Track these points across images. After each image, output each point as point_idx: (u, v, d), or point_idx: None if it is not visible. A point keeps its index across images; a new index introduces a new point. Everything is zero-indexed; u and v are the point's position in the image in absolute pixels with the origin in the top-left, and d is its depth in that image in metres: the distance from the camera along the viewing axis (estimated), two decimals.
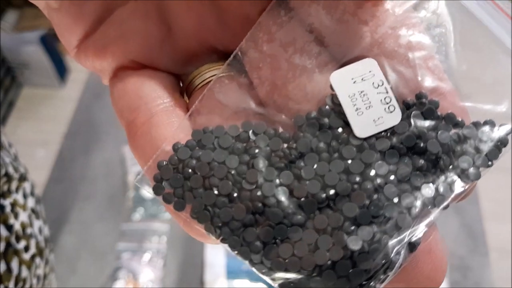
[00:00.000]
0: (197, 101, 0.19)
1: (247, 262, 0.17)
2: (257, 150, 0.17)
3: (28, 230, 0.49)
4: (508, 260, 0.83)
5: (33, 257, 0.49)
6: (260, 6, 0.19)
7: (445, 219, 0.88)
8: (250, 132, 0.18)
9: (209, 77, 0.20)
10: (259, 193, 0.17)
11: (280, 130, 0.18)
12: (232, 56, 0.19)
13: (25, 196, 0.50)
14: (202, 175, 0.17)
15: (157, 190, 0.18)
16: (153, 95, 0.19)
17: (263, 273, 0.17)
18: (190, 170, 0.17)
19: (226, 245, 0.17)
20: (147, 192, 0.19)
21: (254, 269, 0.17)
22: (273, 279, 0.17)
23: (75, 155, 1.01)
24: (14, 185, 0.48)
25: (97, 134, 1.03)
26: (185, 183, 0.18)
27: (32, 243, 0.49)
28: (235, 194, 0.17)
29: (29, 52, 1.14)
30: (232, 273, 0.82)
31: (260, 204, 0.17)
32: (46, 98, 1.18)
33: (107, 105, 1.08)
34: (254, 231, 0.17)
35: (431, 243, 0.17)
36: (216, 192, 0.17)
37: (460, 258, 0.85)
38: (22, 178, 0.50)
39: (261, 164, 0.17)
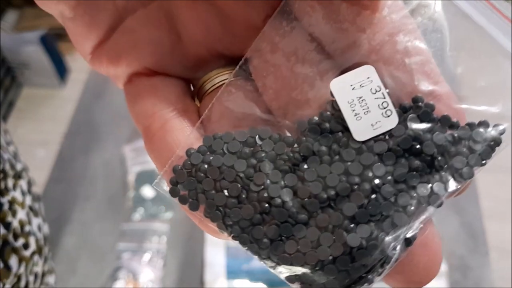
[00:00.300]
0: (206, 110, 0.21)
1: (256, 257, 0.19)
2: (263, 154, 0.19)
3: (27, 228, 0.49)
4: (508, 259, 0.83)
5: (32, 255, 0.49)
6: (263, 14, 0.20)
7: (445, 219, 0.89)
8: (256, 137, 0.19)
9: (218, 82, 0.21)
10: (265, 194, 0.18)
11: (287, 134, 0.20)
12: (238, 66, 0.21)
13: (23, 194, 0.51)
14: (213, 178, 0.19)
15: (173, 192, 0.19)
16: (166, 102, 0.21)
17: (270, 267, 0.18)
18: (202, 174, 0.19)
19: (237, 241, 0.19)
20: (165, 193, 0.20)
21: (262, 263, 0.19)
22: (280, 273, 0.18)
23: (75, 155, 1.01)
24: (10, 182, 0.49)
25: (97, 134, 1.04)
26: (198, 185, 0.19)
27: (32, 240, 0.50)
28: (244, 196, 0.19)
29: (29, 52, 1.14)
30: (232, 273, 0.82)
31: (266, 205, 0.18)
32: (46, 98, 1.18)
33: (107, 105, 1.09)
34: (261, 229, 0.18)
35: (427, 237, 0.19)
36: (226, 193, 0.19)
37: (460, 258, 0.85)
38: (17, 176, 0.51)
39: (267, 167, 0.19)
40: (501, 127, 0.19)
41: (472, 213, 0.90)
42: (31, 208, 0.52)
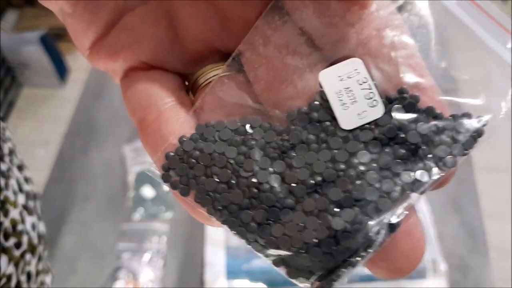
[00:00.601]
0: (200, 99, 0.22)
1: (244, 240, 0.19)
2: (253, 142, 0.20)
3: (19, 227, 0.49)
4: (508, 259, 0.84)
5: (23, 254, 0.49)
6: (259, 11, 0.21)
7: (445, 219, 0.89)
8: (248, 126, 0.20)
9: (212, 76, 0.22)
10: (254, 180, 0.19)
11: (277, 123, 0.21)
12: (231, 58, 0.22)
13: (14, 193, 0.51)
14: (204, 164, 0.20)
15: (165, 178, 0.20)
16: (162, 94, 0.22)
17: (257, 251, 0.19)
18: (193, 160, 0.20)
19: (226, 226, 0.20)
20: (157, 179, 0.21)
21: (250, 247, 0.20)
22: (267, 256, 0.19)
23: (75, 155, 1.01)
24: (2, 181, 0.49)
25: (97, 134, 1.04)
26: (189, 171, 0.20)
27: (24, 239, 0.50)
28: (234, 181, 0.20)
29: (29, 52, 1.15)
30: (232, 273, 0.83)
31: (255, 190, 0.19)
32: (46, 98, 1.19)
33: (107, 105, 1.10)
34: (249, 214, 0.19)
35: (411, 225, 0.19)
36: (216, 179, 0.20)
37: (460, 258, 0.86)
38: (6, 176, 0.51)
39: (257, 154, 0.20)
40: (484, 119, 0.20)
41: (472, 213, 0.90)
42: (24, 207, 0.52)
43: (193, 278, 0.84)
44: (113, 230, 0.90)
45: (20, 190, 0.53)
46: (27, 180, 0.57)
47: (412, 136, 0.19)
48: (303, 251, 0.19)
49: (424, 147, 0.19)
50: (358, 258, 0.19)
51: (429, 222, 0.87)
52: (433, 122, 0.19)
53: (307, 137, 0.20)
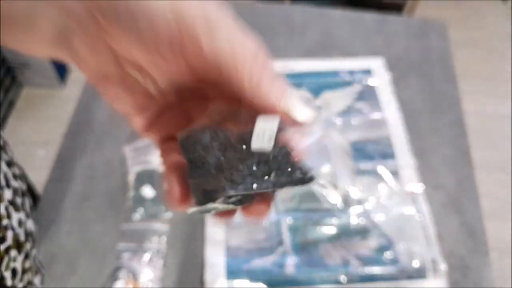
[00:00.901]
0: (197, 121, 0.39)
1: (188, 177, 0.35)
2: (219, 140, 0.35)
3: (4, 222, 0.50)
4: (508, 259, 0.85)
5: (8, 250, 0.50)
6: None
7: (445, 219, 0.90)
8: (222, 132, 0.35)
9: None
10: (207, 156, 0.35)
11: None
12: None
13: (1, 188, 0.51)
14: (194, 144, 0.35)
15: (181, 144, 0.36)
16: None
17: (191, 190, 0.35)
18: (191, 141, 0.36)
19: (189, 173, 0.35)
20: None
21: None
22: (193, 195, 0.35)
23: (75, 155, 1.02)
24: None
25: (97, 134, 1.05)
26: (191, 146, 0.36)
27: (9, 235, 0.50)
28: (202, 153, 0.35)
29: None
30: (232, 273, 0.84)
31: (205, 160, 0.35)
32: (46, 98, 1.19)
33: (107, 105, 1.09)
34: (197, 170, 0.35)
35: (264, 198, 0.36)
36: (196, 152, 0.35)
37: (460, 258, 0.86)
38: None
39: (217, 146, 0.35)
40: (312, 176, 0.34)
41: (472, 213, 0.91)
42: (11, 202, 0.52)
43: (193, 278, 0.85)
44: (113, 230, 0.91)
45: (8, 185, 0.53)
46: (15, 176, 0.57)
47: (273, 164, 0.34)
48: (207, 197, 0.34)
49: (276, 171, 0.34)
50: (233, 204, 0.35)
51: (429, 222, 0.87)
52: (290, 162, 0.34)
53: (235, 145, 0.34)
